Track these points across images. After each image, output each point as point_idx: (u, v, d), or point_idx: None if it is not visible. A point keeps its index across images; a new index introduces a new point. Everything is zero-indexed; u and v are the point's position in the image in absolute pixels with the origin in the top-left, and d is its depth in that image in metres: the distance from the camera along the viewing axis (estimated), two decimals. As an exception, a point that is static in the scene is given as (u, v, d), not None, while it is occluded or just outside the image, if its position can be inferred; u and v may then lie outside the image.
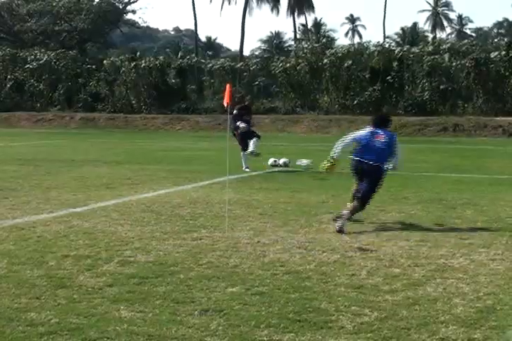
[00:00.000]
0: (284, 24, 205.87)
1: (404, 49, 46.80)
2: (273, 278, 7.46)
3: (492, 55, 42.92)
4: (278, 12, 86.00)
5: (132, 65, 50.78)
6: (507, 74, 42.34)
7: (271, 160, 19.73)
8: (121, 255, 8.51)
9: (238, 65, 50.77)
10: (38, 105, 52.24)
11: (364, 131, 11.19)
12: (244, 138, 19.60)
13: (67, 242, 9.26)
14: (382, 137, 10.97)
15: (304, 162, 18.92)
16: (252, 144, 19.45)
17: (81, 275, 7.52)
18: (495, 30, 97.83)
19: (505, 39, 51.96)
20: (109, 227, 10.37)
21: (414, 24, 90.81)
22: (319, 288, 7.08)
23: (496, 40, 65.22)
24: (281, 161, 19.74)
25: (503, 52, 42.80)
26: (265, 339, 5.60)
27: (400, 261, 8.35)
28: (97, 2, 74.14)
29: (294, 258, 8.42)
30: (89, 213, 11.71)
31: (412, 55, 45.08)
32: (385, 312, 6.31)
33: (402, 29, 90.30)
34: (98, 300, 6.63)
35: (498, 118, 38.89)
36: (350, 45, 57.90)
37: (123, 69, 51.07)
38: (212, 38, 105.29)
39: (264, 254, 8.64)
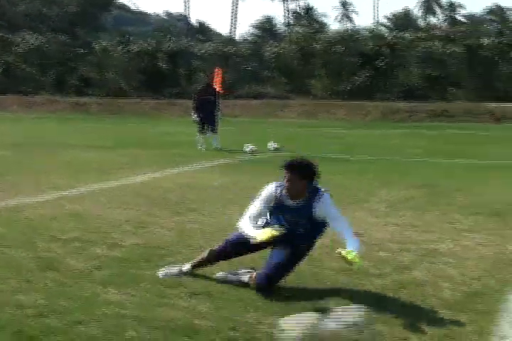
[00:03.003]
0: (276, 9, 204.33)
1: (396, 35, 46.75)
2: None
3: (483, 42, 42.87)
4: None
5: (123, 49, 50.58)
6: (497, 60, 42.35)
7: (248, 148, 19.94)
8: (110, 238, 8.50)
9: (229, 50, 50.59)
10: (29, 89, 52.00)
11: None
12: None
13: (56, 225, 9.23)
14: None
15: (250, 147, 19.84)
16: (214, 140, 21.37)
17: (70, 258, 7.50)
18: (486, 17, 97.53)
19: (497, 25, 51.89)
20: (99, 211, 10.36)
21: (406, 10, 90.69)
22: (308, 272, 7.09)
23: (486, 26, 64.99)
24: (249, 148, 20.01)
25: (495, 39, 42.81)
26: (254, 322, 5.61)
27: (389, 245, 8.37)
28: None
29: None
30: (78, 197, 11.70)
31: (403, 41, 45.01)
32: (373, 295, 6.34)
33: (394, 15, 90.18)
34: (86, 282, 6.62)
35: (487, 104, 38.87)
36: (341, 30, 57.84)
37: (113, 53, 50.86)
38: (204, 22, 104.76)
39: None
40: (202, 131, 21.43)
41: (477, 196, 12.15)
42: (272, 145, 20.35)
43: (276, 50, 48.21)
